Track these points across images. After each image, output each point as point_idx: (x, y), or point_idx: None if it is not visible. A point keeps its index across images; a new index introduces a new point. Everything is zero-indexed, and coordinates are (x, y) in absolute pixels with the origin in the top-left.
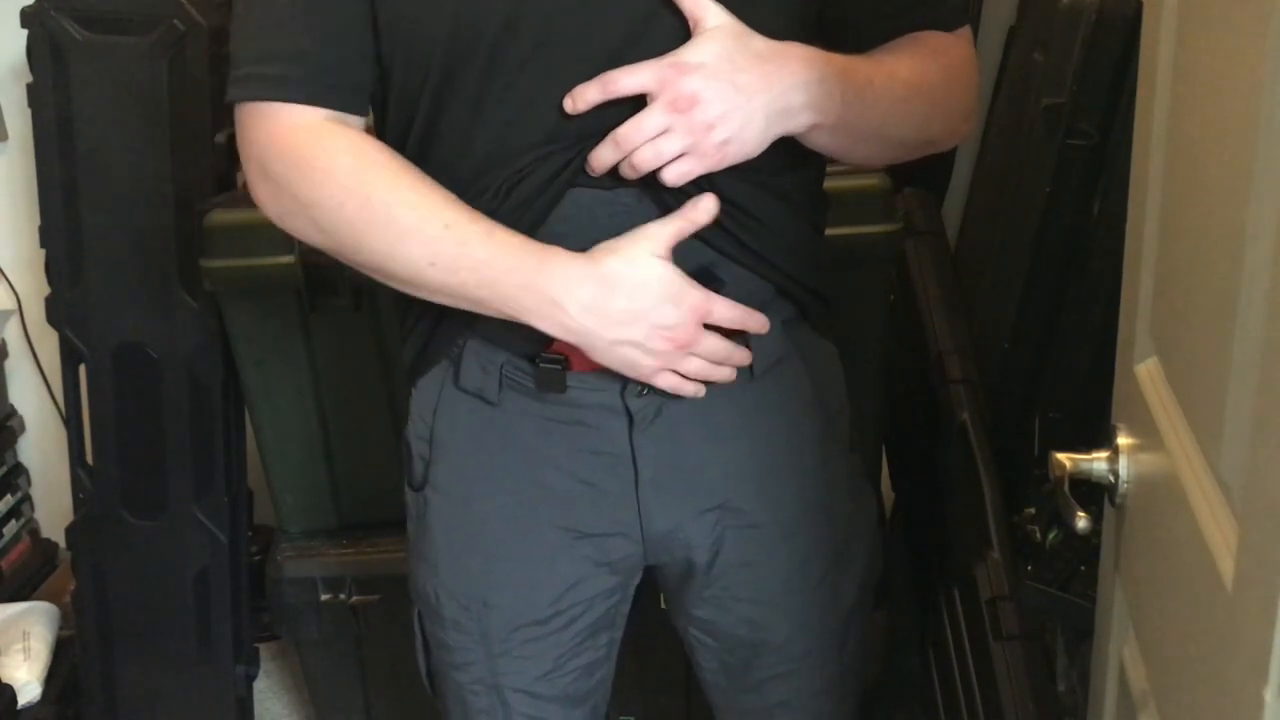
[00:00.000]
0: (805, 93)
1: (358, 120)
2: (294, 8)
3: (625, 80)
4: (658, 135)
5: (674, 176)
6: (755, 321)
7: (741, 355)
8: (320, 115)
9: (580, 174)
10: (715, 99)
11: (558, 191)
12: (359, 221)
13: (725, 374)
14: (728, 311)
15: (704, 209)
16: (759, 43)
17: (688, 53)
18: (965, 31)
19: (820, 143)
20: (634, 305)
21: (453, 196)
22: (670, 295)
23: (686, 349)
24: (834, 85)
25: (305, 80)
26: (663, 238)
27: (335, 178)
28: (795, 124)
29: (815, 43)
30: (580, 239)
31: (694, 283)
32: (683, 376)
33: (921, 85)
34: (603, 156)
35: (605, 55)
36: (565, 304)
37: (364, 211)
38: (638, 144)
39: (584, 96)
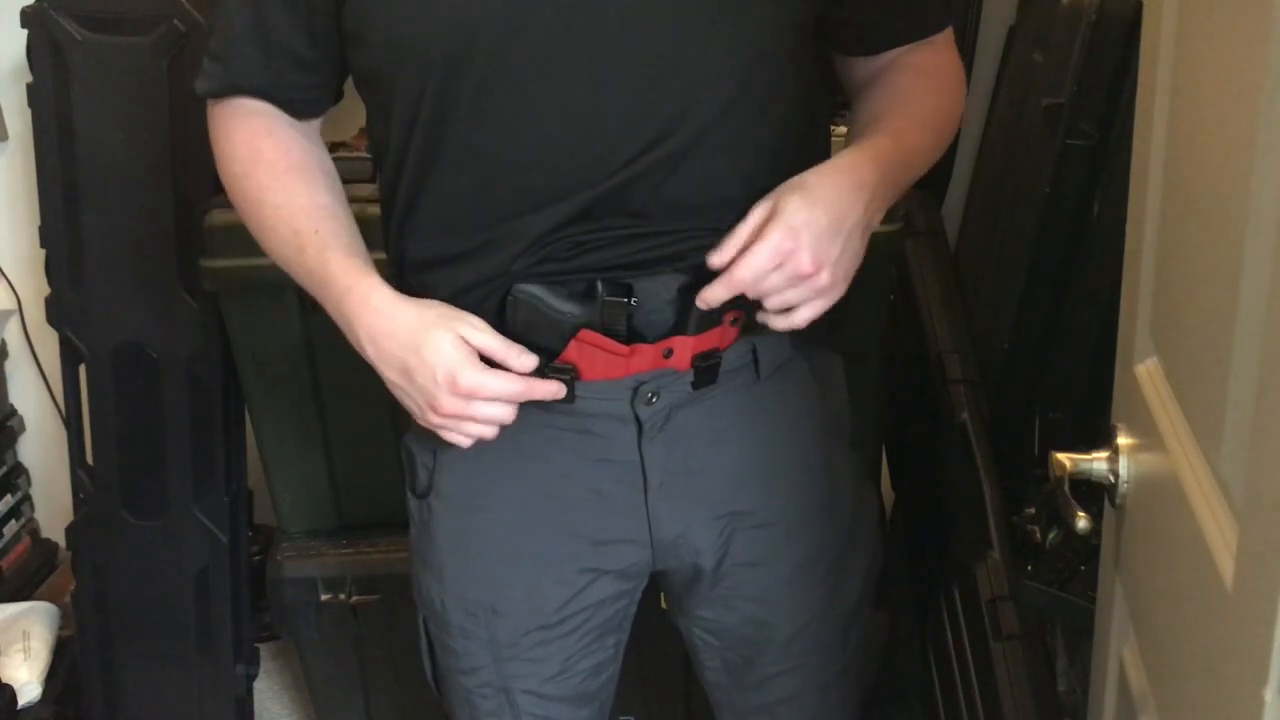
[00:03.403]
0: (880, 199)
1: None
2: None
3: (749, 276)
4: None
5: (803, 321)
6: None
7: (500, 416)
8: (239, 102)
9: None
10: (830, 252)
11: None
12: (243, 205)
13: (488, 431)
14: (494, 386)
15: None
16: (813, 177)
17: (790, 215)
18: (949, 30)
19: None
20: (407, 359)
21: (318, 200)
22: (439, 368)
23: (450, 415)
24: (888, 175)
25: (230, 75)
26: (478, 332)
27: (231, 166)
28: (874, 224)
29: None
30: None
31: (464, 361)
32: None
33: (938, 121)
34: (716, 296)
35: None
36: (357, 330)
37: (244, 201)
38: (767, 296)
39: (715, 296)
